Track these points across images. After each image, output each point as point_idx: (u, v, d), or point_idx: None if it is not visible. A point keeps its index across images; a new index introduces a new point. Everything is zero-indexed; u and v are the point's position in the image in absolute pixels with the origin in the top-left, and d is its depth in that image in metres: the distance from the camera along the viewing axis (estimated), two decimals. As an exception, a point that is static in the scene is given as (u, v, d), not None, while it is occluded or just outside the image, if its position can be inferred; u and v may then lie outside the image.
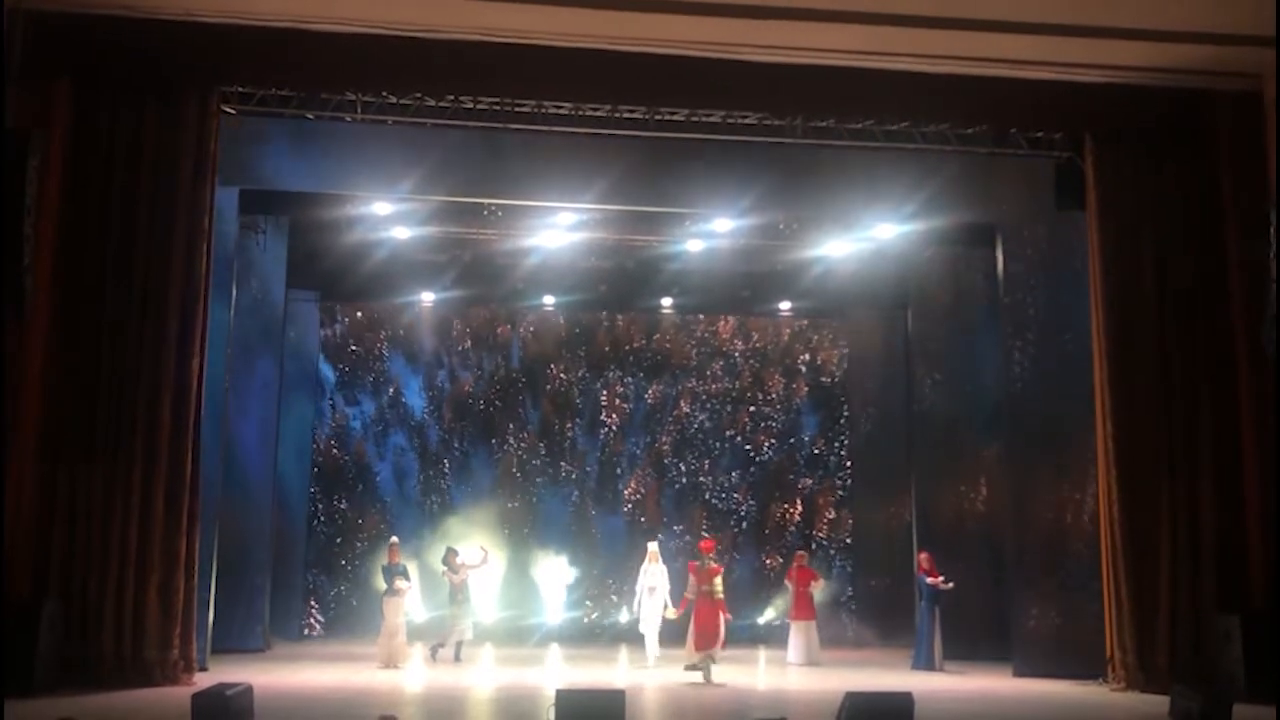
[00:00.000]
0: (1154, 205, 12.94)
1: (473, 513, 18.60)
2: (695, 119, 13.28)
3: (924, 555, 14.97)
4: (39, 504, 11.03)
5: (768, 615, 18.33)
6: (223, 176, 12.35)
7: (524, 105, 13.03)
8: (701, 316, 20.11)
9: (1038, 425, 13.89)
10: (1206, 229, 12.73)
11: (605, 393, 19.80)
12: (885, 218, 14.88)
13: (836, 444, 19.89)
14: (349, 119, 13.16)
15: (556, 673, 13.69)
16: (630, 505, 19.27)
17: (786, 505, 19.54)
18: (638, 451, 19.57)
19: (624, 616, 14.23)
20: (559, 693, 8.91)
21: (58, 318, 11.30)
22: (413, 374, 19.51)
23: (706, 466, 19.61)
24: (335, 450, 18.94)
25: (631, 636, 14.26)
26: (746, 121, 13.40)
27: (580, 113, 13.17)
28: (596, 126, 13.28)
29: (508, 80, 12.41)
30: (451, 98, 12.87)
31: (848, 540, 19.42)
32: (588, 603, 18.67)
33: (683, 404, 19.88)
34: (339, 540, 18.73)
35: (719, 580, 13.15)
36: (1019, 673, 13.44)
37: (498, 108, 13.04)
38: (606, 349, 19.98)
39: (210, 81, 12.10)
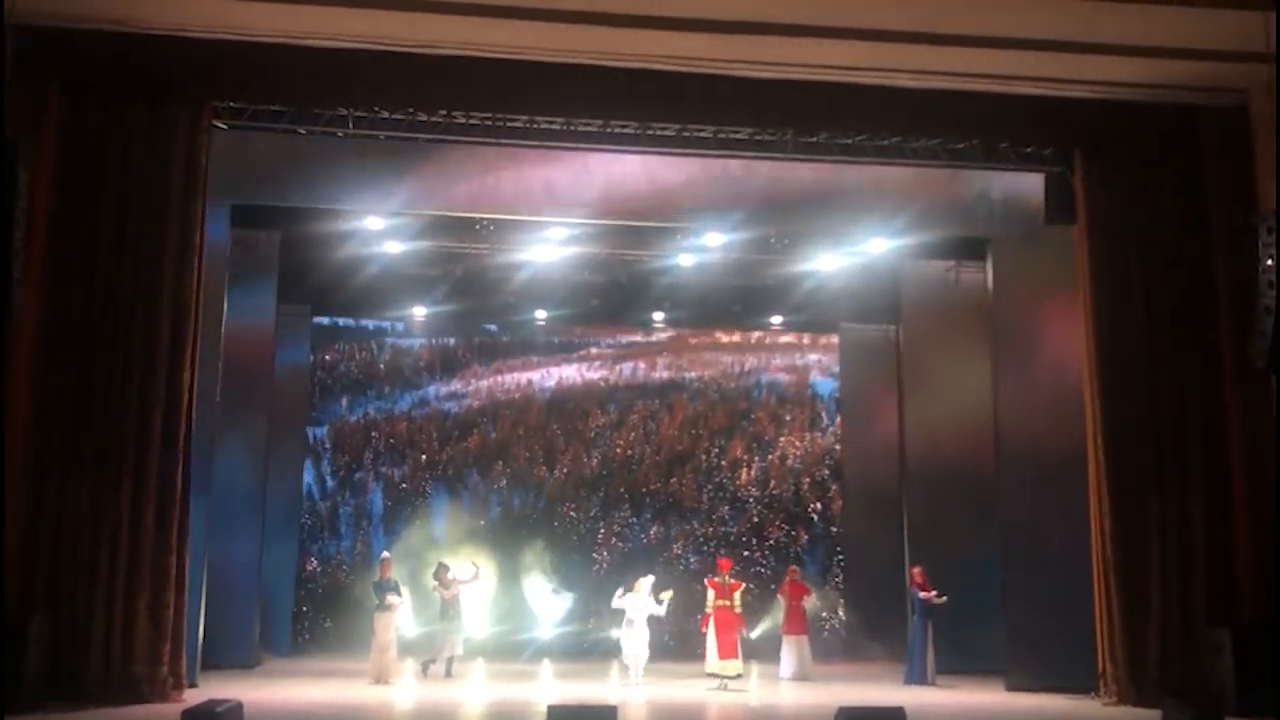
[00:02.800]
0: (1143, 219, 13.01)
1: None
2: (686, 134, 13.30)
3: (917, 569, 14.95)
4: (28, 518, 10.95)
5: (758, 630, 18.25)
6: (214, 190, 12.31)
7: (515, 120, 13.04)
8: (724, 462, 20.31)
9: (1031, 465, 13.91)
10: (1195, 242, 12.80)
11: (604, 531, 19.87)
12: (876, 232, 14.92)
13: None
14: (341, 134, 13.13)
15: (548, 688, 13.64)
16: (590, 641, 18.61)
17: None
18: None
19: (615, 633, 14.12)
20: (551, 708, 8.87)
21: (47, 331, 11.25)
22: (449, 504, 19.85)
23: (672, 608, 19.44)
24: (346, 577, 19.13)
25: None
26: (738, 137, 13.42)
27: (572, 127, 13.20)
28: (588, 141, 13.31)
29: (499, 95, 12.43)
30: (443, 113, 12.85)
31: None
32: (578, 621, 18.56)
33: (675, 546, 19.87)
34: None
35: (738, 595, 13.82)
36: (1011, 686, 13.42)
37: (489, 123, 13.04)
38: (622, 490, 20.12)
39: (201, 96, 12.09)
